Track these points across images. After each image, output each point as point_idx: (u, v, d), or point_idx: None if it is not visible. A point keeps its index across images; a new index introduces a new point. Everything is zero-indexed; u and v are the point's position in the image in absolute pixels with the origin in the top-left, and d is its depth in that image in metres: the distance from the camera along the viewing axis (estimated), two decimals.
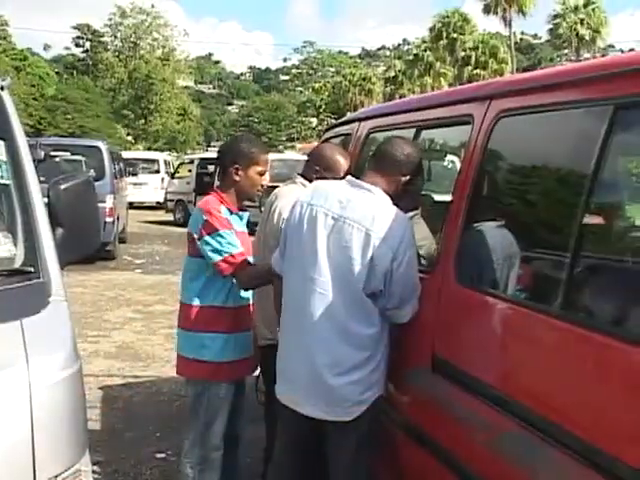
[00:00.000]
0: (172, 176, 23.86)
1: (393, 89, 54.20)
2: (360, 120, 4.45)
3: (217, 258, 3.34)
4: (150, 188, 26.25)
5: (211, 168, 23.16)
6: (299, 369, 2.93)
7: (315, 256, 2.87)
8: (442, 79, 51.10)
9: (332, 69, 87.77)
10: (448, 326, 2.86)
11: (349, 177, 3.04)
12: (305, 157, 4.00)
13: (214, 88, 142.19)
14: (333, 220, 2.87)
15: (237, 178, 3.44)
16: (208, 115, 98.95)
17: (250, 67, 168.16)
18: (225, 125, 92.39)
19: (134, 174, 24.16)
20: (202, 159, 22.74)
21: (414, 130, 3.61)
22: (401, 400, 3.10)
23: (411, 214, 3.65)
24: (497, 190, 3.08)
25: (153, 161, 27.83)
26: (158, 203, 25.41)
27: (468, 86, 3.65)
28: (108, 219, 13.15)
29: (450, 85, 48.07)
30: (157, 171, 27.16)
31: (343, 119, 5.17)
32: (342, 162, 3.74)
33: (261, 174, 3.49)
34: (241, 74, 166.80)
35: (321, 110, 63.43)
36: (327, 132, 5.29)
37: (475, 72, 46.99)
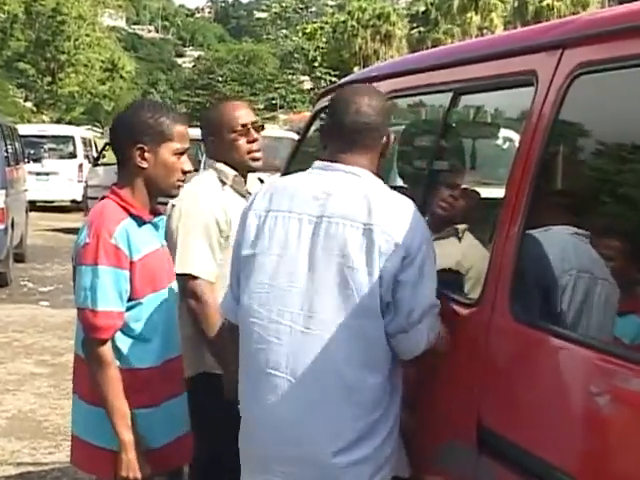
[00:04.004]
0: (95, 162, 23.87)
1: (422, 32, 54.41)
2: (372, 80, 4.47)
3: (77, 303, 3.38)
4: (62, 180, 26.23)
5: None
6: (278, 452, 2.98)
7: (296, 282, 2.96)
8: (494, 15, 51.29)
9: (332, 3, 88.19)
10: (501, 384, 2.88)
11: (318, 162, 3.14)
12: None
13: (156, 31, 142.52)
14: (313, 225, 2.98)
15: (144, 165, 3.42)
16: (148, 71, 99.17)
17: None
18: (173, 86, 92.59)
19: (37, 159, 24.16)
20: None
21: (451, 94, 3.64)
22: None
23: (459, 227, 3.69)
24: (573, 181, 3.11)
25: (66, 139, 27.80)
26: (74, 202, 25.40)
27: (531, 28, 3.68)
28: None
29: (507, 25, 48.24)
30: (72, 155, 27.15)
31: (347, 78, 5.19)
32: (233, 115, 3.98)
33: (179, 154, 3.47)
34: (197, 10, 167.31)
35: (316, 64, 63.68)
36: (323, 97, 5.31)
37: (545, 4, 47.12)
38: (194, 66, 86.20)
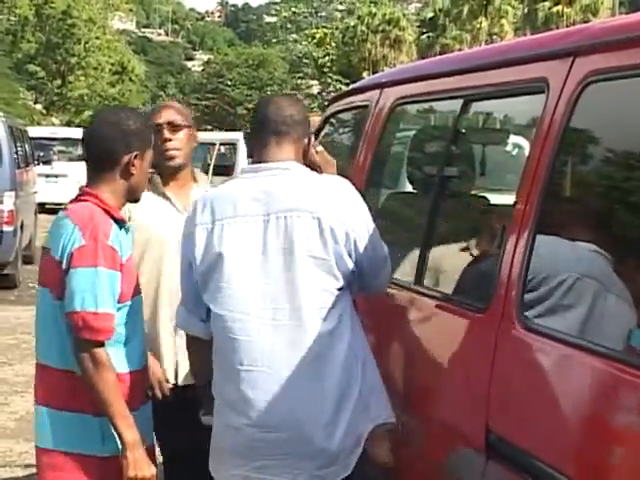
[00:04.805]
0: None
1: (432, 37, 54.31)
2: (383, 86, 4.48)
3: (74, 306, 3.29)
4: (71, 182, 26.11)
5: None
6: (268, 443, 3.17)
7: (255, 279, 3.17)
8: (505, 21, 51.13)
9: (342, 8, 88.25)
10: (510, 391, 2.89)
11: (247, 166, 3.42)
12: None
13: (166, 34, 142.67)
14: (261, 223, 3.19)
15: (134, 171, 3.49)
16: (157, 74, 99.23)
17: (220, 3, 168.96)
18: (182, 89, 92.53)
19: (47, 161, 24.19)
20: None
21: (461, 101, 3.64)
22: None
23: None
24: (584, 188, 3.10)
25: (76, 142, 27.83)
26: None
27: (542, 36, 3.68)
28: (6, 228, 13.19)
29: (517, 31, 48.16)
30: (82, 157, 27.10)
31: (358, 84, 5.20)
32: (152, 116, 4.20)
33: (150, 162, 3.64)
34: (207, 14, 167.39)
35: (325, 69, 63.60)
36: (333, 103, 5.33)
37: (555, 10, 46.93)
38: (203, 70, 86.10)
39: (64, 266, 3.34)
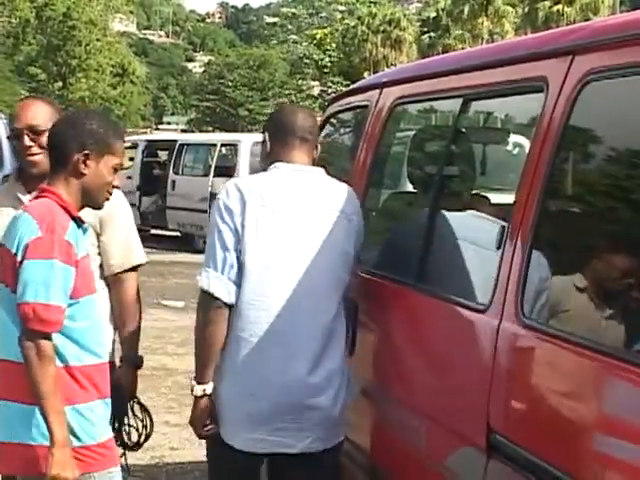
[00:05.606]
0: None
1: (433, 38, 54.36)
2: (383, 86, 4.49)
3: (27, 297, 3.30)
4: None
5: (163, 155, 23.22)
6: (286, 405, 3.53)
7: (293, 265, 3.54)
8: (505, 21, 51.21)
9: (342, 8, 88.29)
10: (512, 389, 2.89)
11: (282, 163, 3.68)
12: None
13: (167, 36, 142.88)
14: (304, 217, 3.58)
15: (85, 171, 3.46)
16: (159, 75, 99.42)
17: (221, 4, 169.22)
18: (184, 91, 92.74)
19: None
20: (150, 142, 22.85)
21: (460, 100, 3.65)
22: None
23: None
24: (584, 187, 3.10)
25: None
26: None
27: (541, 35, 3.68)
28: None
29: (517, 31, 48.21)
30: None
31: (357, 84, 5.20)
32: None
33: (115, 170, 3.55)
34: (207, 15, 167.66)
35: (326, 70, 63.69)
36: (334, 103, 5.33)
37: (555, 9, 47.03)
38: (204, 71, 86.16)
39: (19, 258, 3.34)
